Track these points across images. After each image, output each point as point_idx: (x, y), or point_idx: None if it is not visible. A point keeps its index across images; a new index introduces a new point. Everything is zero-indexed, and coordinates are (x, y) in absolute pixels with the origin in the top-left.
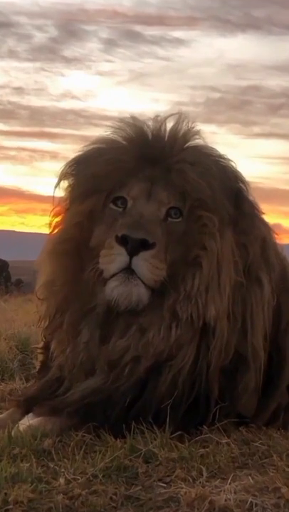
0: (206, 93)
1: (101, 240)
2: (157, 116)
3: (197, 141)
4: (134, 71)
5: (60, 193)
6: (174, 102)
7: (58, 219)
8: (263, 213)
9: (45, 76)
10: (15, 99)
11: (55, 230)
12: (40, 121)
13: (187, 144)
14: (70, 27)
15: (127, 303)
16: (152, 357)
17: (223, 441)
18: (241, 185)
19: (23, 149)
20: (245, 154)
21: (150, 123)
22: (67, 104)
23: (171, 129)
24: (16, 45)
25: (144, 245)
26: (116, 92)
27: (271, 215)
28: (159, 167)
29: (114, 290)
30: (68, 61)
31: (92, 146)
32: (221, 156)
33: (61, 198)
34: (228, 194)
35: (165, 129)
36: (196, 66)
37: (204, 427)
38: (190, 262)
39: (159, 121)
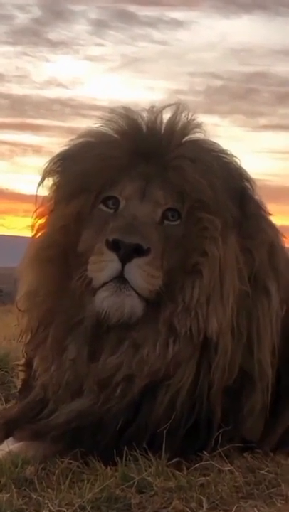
0: (207, 80)
1: (90, 244)
2: (153, 106)
3: (197, 135)
4: (127, 56)
5: (44, 191)
6: (171, 90)
7: (41, 221)
8: (271, 214)
9: (27, 61)
10: None
11: (39, 234)
12: (22, 111)
13: (186, 138)
14: (56, 7)
15: (118, 315)
16: (147, 376)
17: (226, 468)
18: (246, 184)
19: (3, 143)
20: (251, 148)
21: (145, 114)
22: (52, 93)
23: (168, 121)
24: None
25: (137, 251)
26: (107, 79)
27: (279, 216)
28: (155, 164)
29: (105, 301)
30: (54, 45)
31: (79, 140)
32: (223, 152)
33: (45, 197)
34: (231, 194)
35: (161, 121)
36: (195, 50)
37: (204, 452)
38: (189, 270)
39: (155, 112)
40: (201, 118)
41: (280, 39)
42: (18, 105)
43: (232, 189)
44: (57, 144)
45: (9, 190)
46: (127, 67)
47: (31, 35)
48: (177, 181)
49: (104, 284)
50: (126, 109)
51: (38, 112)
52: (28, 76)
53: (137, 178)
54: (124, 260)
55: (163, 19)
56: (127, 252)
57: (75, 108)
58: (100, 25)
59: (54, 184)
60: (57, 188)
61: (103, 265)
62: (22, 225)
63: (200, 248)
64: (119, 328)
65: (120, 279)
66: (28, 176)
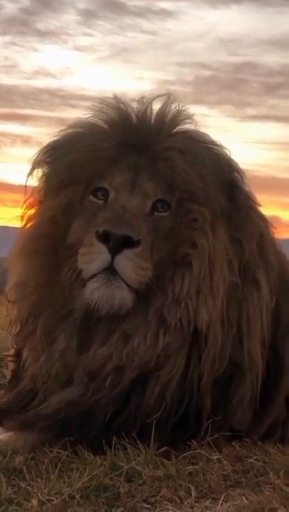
0: (196, 71)
1: (80, 236)
2: (143, 97)
3: (187, 126)
4: (116, 46)
5: (34, 182)
6: (159, 80)
7: (31, 212)
8: (260, 205)
9: (16, 51)
10: None
11: (28, 225)
12: (11, 101)
13: (176, 129)
14: None
15: (108, 307)
16: (137, 367)
17: (214, 457)
18: (236, 175)
19: None
20: (239, 139)
21: (135, 105)
22: (41, 83)
23: (158, 112)
24: None
25: (127, 243)
26: (95, 69)
27: (268, 207)
28: (145, 155)
29: (95, 292)
30: (42, 34)
31: (69, 131)
32: (213, 143)
33: (35, 188)
34: (221, 185)
35: (151, 112)
36: (184, 40)
37: (193, 441)
38: (179, 261)
39: (145, 102)
40: (190, 108)
41: (269, 29)
42: (7, 95)
43: (221, 180)
44: (46, 134)
45: None
46: (116, 57)
47: (20, 25)
48: (167, 172)
49: (94, 276)
50: (116, 99)
51: (26, 102)
52: (17, 66)
53: (127, 169)
54: (114, 252)
55: (152, 9)
56: (117, 244)
57: (64, 98)
58: (88, 15)
59: (43, 175)
60: (46, 178)
61: (93, 257)
62: (11, 216)
63: (189, 239)
64: (109, 319)
65: (110, 270)
66: (16, 166)
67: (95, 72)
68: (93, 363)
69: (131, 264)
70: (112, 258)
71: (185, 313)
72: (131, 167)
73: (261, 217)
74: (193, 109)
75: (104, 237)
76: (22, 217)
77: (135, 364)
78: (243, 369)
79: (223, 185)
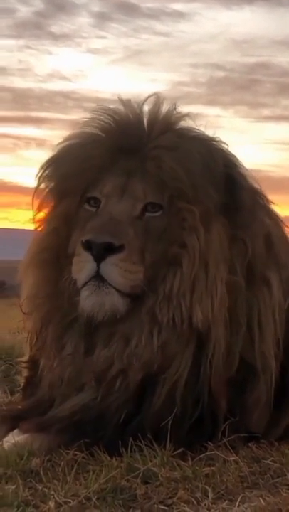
0: (210, 72)
1: (76, 245)
2: (128, 100)
3: (181, 124)
4: (130, 48)
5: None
6: (173, 81)
7: (40, 224)
8: (272, 203)
9: (30, 54)
10: None
11: (37, 237)
12: (25, 104)
13: (168, 128)
14: (58, 0)
15: (102, 313)
16: (140, 368)
17: (231, 458)
18: (233, 170)
19: (7, 136)
20: (254, 139)
21: (127, 108)
22: (55, 86)
23: (150, 113)
24: None
25: (109, 249)
26: (109, 71)
27: (283, 207)
28: (136, 157)
29: (87, 300)
30: (56, 38)
31: (65, 143)
32: (208, 139)
33: (40, 200)
34: (213, 180)
35: (142, 114)
36: (198, 42)
37: (209, 443)
38: (170, 261)
39: (137, 105)
40: (204, 109)
41: (282, 29)
42: (21, 98)
43: (215, 176)
44: (60, 137)
45: (13, 183)
46: (130, 60)
47: (34, 28)
48: (155, 172)
49: (85, 284)
50: (120, 101)
51: (40, 105)
52: (31, 69)
53: (119, 175)
54: (98, 259)
55: (165, 11)
56: (99, 252)
57: (78, 101)
58: (102, 18)
59: (45, 189)
60: (47, 192)
61: (81, 266)
62: (25, 218)
63: (179, 239)
64: (107, 323)
65: (98, 277)
66: (31, 168)
67: (109, 74)
68: (97, 366)
69: (117, 270)
70: (98, 265)
71: (178, 311)
72: (122, 171)
73: (271, 215)
74: (207, 110)
75: (88, 246)
76: (34, 220)
77: (137, 365)
78: (257, 370)
79: (216, 180)
